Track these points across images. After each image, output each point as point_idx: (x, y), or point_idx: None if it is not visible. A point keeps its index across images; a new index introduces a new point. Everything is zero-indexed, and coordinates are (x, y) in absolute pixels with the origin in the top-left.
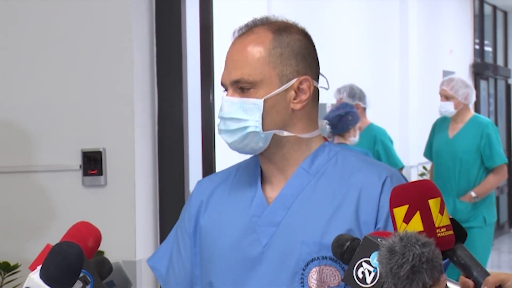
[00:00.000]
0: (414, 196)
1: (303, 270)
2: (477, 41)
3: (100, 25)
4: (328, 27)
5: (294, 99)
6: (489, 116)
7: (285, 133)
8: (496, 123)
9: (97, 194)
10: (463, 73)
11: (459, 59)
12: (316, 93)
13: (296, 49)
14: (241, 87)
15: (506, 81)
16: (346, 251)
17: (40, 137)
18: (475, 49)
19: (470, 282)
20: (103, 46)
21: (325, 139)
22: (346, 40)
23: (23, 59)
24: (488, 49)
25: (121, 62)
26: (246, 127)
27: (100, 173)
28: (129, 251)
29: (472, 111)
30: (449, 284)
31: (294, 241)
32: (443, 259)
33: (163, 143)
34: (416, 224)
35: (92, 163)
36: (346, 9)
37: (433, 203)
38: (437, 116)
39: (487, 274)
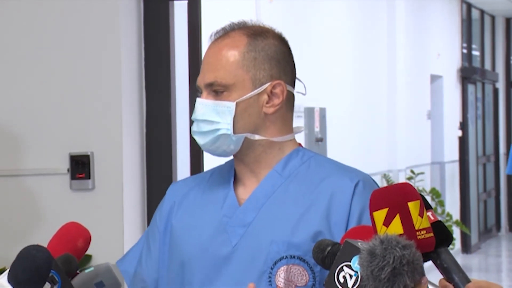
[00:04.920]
0: (393, 199)
1: (271, 269)
2: (464, 45)
3: (88, 28)
4: (316, 31)
5: (267, 103)
6: (476, 120)
7: (257, 137)
8: (483, 127)
9: (85, 198)
10: (451, 77)
11: (447, 63)
12: (290, 97)
13: (271, 53)
14: (215, 90)
15: (494, 85)
16: (327, 256)
17: (28, 141)
18: (462, 53)
19: (450, 287)
20: (91, 50)
21: (300, 144)
22: (334, 44)
23: (9, 63)
24: (475, 53)
25: (109, 66)
26: (217, 130)
27: (88, 176)
28: (117, 255)
29: None
30: (428, 286)
31: (264, 241)
32: (426, 261)
33: (151, 146)
34: (396, 227)
35: (80, 166)
36: (334, 13)
37: (413, 206)
38: (424, 120)
39: (468, 280)
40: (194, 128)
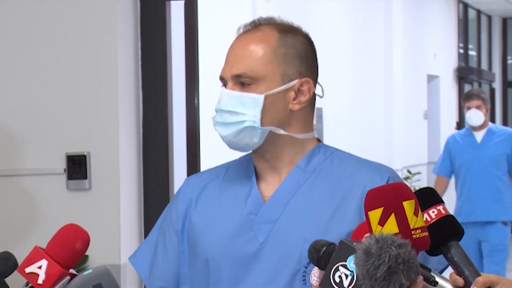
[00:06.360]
0: (388, 198)
1: (305, 267)
2: (461, 45)
3: (85, 28)
4: (313, 31)
5: (294, 99)
6: None
7: (282, 132)
8: None
9: (81, 198)
10: (448, 77)
11: (444, 63)
12: (314, 97)
13: (300, 51)
14: (241, 82)
15: (490, 85)
16: (323, 256)
17: (24, 141)
18: (459, 53)
19: (460, 280)
20: (88, 50)
21: (319, 140)
22: (331, 44)
23: (6, 63)
24: (472, 53)
25: (106, 66)
26: (243, 121)
27: (84, 177)
28: (113, 255)
29: None
30: (439, 280)
31: (294, 238)
32: (437, 255)
33: (148, 146)
34: (391, 226)
35: (77, 166)
36: (331, 13)
37: (408, 205)
38: (421, 120)
39: (478, 274)
40: (217, 118)
